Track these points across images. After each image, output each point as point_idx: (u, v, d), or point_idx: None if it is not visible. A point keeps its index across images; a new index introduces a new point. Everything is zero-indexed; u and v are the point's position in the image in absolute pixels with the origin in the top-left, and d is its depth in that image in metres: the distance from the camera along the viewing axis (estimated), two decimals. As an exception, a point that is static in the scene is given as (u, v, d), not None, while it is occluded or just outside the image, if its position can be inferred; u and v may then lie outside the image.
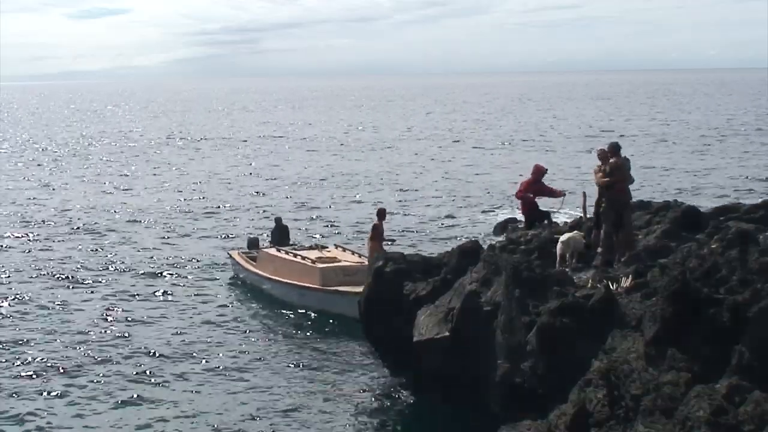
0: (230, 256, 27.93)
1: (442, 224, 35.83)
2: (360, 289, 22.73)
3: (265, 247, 26.93)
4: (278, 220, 28.75)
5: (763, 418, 9.41)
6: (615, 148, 17.65)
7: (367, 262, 23.56)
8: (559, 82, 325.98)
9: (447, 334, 15.95)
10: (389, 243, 23.90)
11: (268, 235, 28.85)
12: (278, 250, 25.90)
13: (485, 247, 18.76)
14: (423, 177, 51.32)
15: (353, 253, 25.42)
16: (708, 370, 10.75)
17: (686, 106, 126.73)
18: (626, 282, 14.31)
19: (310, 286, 23.83)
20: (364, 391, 17.85)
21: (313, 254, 25.03)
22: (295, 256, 25.06)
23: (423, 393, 17.13)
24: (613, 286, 14.04)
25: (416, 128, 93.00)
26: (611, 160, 17.36)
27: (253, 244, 27.90)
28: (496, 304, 15.00)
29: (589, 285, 14.81)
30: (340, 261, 24.62)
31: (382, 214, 23.79)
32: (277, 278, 24.92)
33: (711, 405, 9.67)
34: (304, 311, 23.61)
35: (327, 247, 26.25)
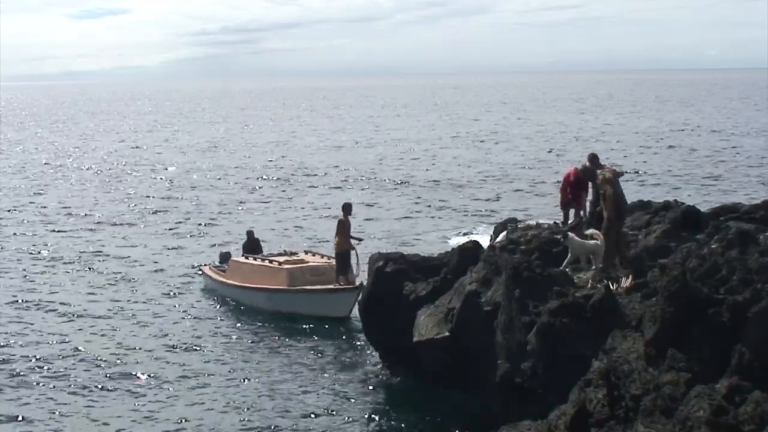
0: (201, 271, 27.55)
1: (442, 225, 35.88)
2: (327, 286, 22.97)
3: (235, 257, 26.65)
4: (250, 233, 28.24)
5: (763, 418, 9.41)
6: (595, 159, 17.54)
7: (334, 262, 23.71)
8: (560, 82, 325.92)
9: (447, 334, 15.97)
10: (357, 241, 23.88)
11: (239, 249, 28.19)
12: (246, 257, 25.76)
13: (485, 247, 18.74)
14: (422, 178, 51.35)
15: (322, 256, 25.37)
16: (708, 370, 10.75)
17: (686, 106, 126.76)
18: (626, 282, 14.32)
19: (278, 287, 23.71)
20: (363, 390, 17.84)
21: (281, 258, 25.01)
22: (263, 260, 25.02)
23: (423, 393, 17.13)
24: (613, 286, 14.04)
25: (415, 129, 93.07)
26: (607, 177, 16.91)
27: (226, 258, 27.31)
28: (496, 304, 15.00)
29: (589, 285, 14.82)
30: (308, 262, 24.61)
31: (347, 208, 23.74)
32: (245, 284, 24.64)
33: (711, 405, 9.66)
34: (276, 315, 23.33)
35: (296, 253, 26.21)
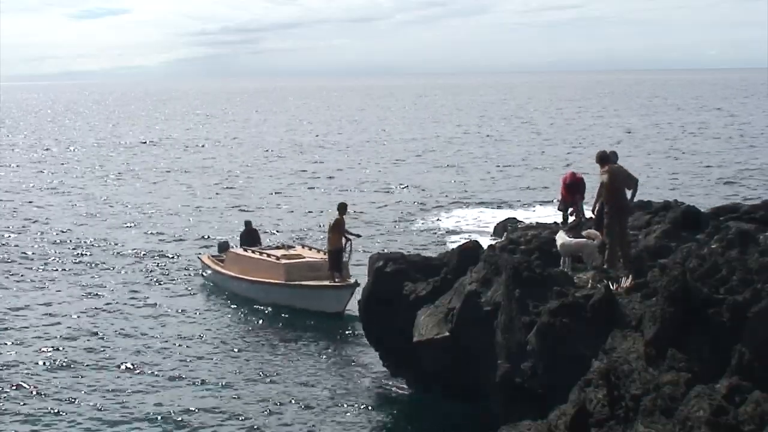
0: (200, 260, 27.91)
1: (441, 224, 35.85)
2: (323, 282, 23.31)
3: (233, 248, 26.93)
4: (248, 224, 28.60)
5: (763, 418, 9.39)
6: (602, 158, 16.50)
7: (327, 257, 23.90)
8: (560, 82, 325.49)
9: (447, 334, 15.96)
10: (353, 236, 24.16)
11: (237, 239, 28.53)
12: (245, 250, 26.02)
13: (485, 247, 18.74)
14: (422, 177, 51.29)
15: (319, 251, 25.61)
16: (708, 370, 10.74)
17: (686, 106, 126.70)
18: (626, 282, 14.30)
19: (275, 282, 24.01)
20: (362, 390, 17.83)
21: (279, 252, 25.27)
22: (261, 254, 25.25)
23: (423, 393, 17.13)
24: (613, 286, 14.03)
25: (414, 129, 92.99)
26: (604, 170, 16.56)
27: (224, 247, 27.67)
28: (496, 304, 15.00)
29: (589, 285, 14.81)
30: (305, 257, 24.85)
31: (342, 208, 24.11)
32: (243, 276, 24.98)
33: (711, 405, 9.65)
34: (273, 308, 23.65)
35: (293, 247, 26.47)
